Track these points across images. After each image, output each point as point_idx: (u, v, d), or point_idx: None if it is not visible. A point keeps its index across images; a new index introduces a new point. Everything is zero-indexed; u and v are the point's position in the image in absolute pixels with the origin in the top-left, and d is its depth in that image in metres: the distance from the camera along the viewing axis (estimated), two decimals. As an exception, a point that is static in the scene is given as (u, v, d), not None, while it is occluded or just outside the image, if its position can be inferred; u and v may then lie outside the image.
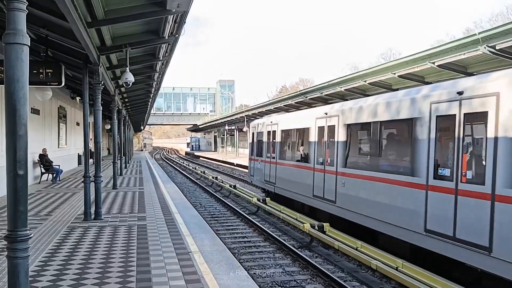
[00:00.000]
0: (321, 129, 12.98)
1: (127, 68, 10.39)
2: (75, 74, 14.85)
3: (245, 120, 43.78)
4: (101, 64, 9.58)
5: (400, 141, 9.81)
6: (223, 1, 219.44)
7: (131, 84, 10.59)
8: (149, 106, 31.58)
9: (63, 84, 9.62)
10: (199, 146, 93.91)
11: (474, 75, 11.82)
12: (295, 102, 26.62)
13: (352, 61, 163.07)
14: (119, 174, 20.92)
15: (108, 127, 35.71)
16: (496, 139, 6.69)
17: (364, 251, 9.59)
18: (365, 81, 17.98)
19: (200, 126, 77.55)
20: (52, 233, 8.43)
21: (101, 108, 9.77)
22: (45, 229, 8.81)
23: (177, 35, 9.87)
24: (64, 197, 13.85)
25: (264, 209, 16.12)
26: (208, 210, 17.72)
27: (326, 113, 12.71)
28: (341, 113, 11.78)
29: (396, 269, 8.19)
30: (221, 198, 20.59)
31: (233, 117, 50.47)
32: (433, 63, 13.96)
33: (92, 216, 9.78)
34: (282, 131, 16.49)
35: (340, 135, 11.69)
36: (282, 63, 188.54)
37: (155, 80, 16.76)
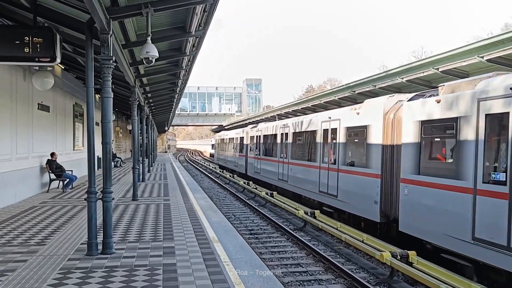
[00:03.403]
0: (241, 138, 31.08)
1: (149, 38, 7.36)
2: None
3: (277, 120, 40.57)
4: (111, 33, 6.62)
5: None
6: (247, 2, 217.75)
7: (153, 60, 7.52)
8: (174, 104, 28.74)
9: (58, 60, 6.71)
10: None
11: None
12: (338, 98, 23.31)
13: (380, 60, 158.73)
14: (141, 180, 18.18)
15: (130, 127, 33.28)
16: (339, 144, 13.70)
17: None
18: (437, 69, 14.70)
19: (225, 127, 74.73)
20: (34, 283, 5.47)
21: (111, 95, 6.71)
22: (25, 273, 5.80)
23: (218, -9, 6.85)
24: (72, 211, 11.06)
25: (316, 226, 13.19)
26: (245, 223, 15.09)
27: (254, 128, 27.82)
28: (249, 131, 28.41)
29: None
30: (257, 207, 18.01)
31: (262, 117, 47.19)
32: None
33: (99, 249, 6.84)
34: (222, 139, 41.71)
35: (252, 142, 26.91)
36: (307, 64, 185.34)
37: (183, 68, 13.73)
